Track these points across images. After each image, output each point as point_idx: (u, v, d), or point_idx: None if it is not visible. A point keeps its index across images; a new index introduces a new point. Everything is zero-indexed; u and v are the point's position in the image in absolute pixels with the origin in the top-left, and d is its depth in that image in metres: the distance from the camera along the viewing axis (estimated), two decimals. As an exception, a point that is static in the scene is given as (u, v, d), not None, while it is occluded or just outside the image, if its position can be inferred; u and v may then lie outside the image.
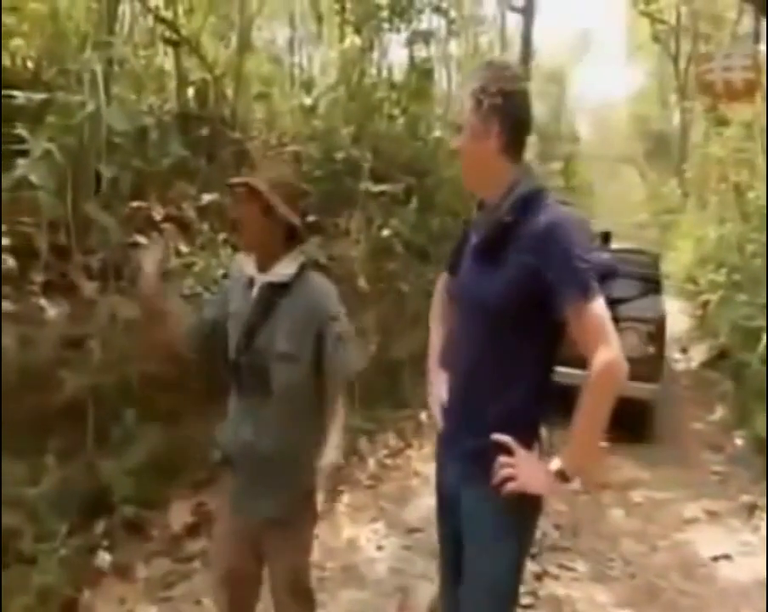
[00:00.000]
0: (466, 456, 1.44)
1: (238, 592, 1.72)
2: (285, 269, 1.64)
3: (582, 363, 1.29)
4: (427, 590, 2.68)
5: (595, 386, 1.27)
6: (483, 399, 1.40)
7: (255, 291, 1.65)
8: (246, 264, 1.69)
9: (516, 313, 1.35)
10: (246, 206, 1.61)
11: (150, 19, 5.17)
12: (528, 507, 1.40)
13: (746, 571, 2.99)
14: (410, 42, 7.01)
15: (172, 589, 2.56)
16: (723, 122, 9.37)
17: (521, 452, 1.34)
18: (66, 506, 2.43)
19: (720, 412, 5.43)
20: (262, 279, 1.64)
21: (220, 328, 1.70)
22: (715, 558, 3.14)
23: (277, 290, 1.63)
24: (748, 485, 3.98)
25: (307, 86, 6.24)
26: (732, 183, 8.19)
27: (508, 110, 1.35)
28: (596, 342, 1.26)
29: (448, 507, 1.52)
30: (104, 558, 2.52)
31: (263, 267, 1.65)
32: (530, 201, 1.36)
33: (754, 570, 2.98)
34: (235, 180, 1.67)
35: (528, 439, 1.39)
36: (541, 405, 1.44)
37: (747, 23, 15.09)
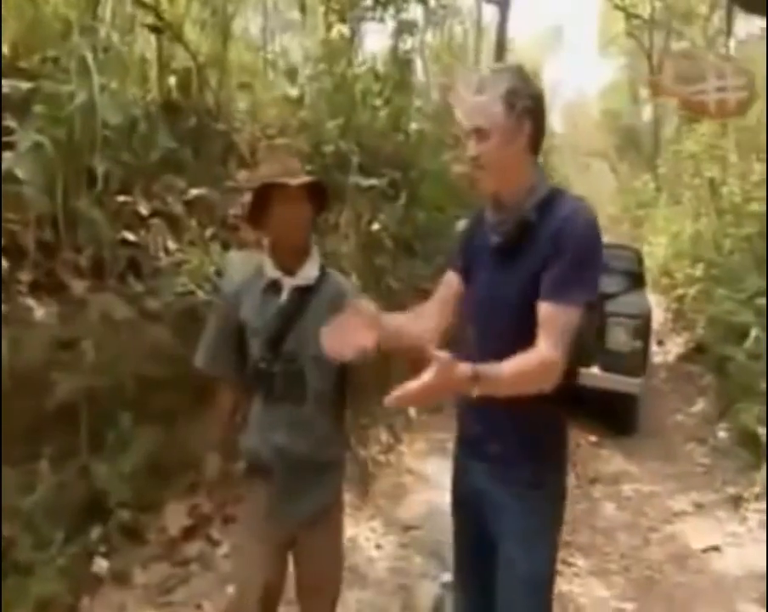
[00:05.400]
0: (496, 458, 1.46)
1: (269, 603, 1.68)
2: (312, 271, 1.62)
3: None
4: (429, 588, 2.68)
5: (523, 365, 1.25)
6: (510, 399, 1.38)
7: (284, 295, 1.60)
8: (267, 267, 1.63)
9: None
10: (299, 206, 1.56)
11: (129, 4, 4.97)
12: (559, 498, 1.48)
13: (735, 562, 3.04)
14: (398, 32, 6.90)
15: (172, 594, 2.51)
16: (696, 119, 9.41)
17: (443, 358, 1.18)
18: (61, 512, 2.35)
19: (701, 405, 5.50)
20: (291, 282, 1.60)
21: (236, 341, 1.65)
22: (705, 550, 3.19)
23: (304, 292, 1.61)
24: (733, 477, 4.01)
25: (291, 76, 6.10)
26: (707, 179, 8.34)
27: (537, 110, 1.40)
28: (549, 339, 1.27)
29: (474, 509, 1.53)
30: (101, 564, 2.46)
31: (291, 270, 1.61)
32: (552, 199, 1.39)
33: (743, 561, 3.06)
34: (294, 181, 1.52)
35: (558, 438, 1.44)
36: (568, 404, 1.43)
37: (716, 21, 15.43)
